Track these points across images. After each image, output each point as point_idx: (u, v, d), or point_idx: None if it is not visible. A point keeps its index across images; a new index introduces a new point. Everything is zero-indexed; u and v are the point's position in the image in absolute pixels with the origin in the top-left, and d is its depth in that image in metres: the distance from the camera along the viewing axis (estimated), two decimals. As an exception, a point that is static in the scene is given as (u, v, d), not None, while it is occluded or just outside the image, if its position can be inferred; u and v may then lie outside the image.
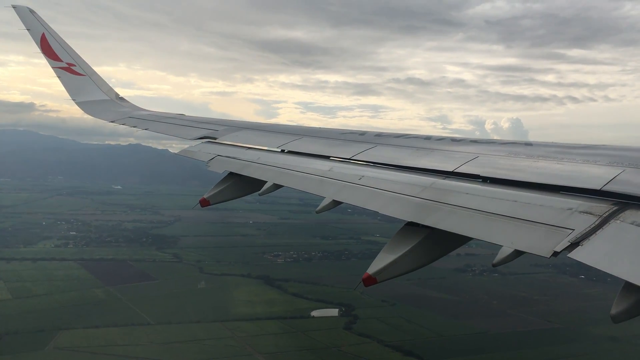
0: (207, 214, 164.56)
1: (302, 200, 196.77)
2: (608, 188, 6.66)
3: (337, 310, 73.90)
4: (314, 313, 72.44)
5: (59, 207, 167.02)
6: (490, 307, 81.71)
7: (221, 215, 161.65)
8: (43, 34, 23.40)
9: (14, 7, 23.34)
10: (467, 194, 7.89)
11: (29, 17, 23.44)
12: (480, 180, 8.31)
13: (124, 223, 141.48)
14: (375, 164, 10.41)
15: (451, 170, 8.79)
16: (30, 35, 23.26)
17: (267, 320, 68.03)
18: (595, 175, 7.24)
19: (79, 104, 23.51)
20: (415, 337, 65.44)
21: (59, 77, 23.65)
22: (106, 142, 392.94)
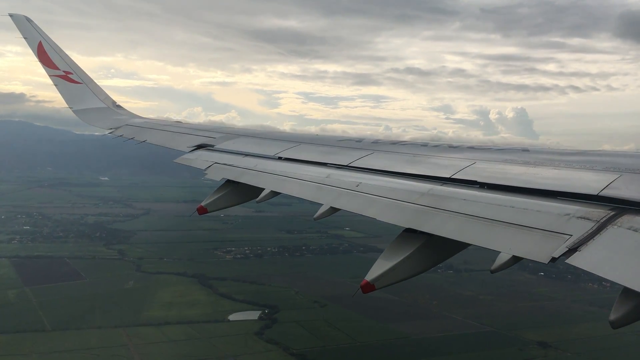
0: (180, 207, 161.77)
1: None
2: (605, 193, 6.75)
3: (257, 313, 70.23)
4: (232, 317, 68.89)
5: (30, 199, 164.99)
6: (428, 308, 77.66)
7: (195, 208, 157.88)
8: (40, 42, 23.44)
9: (10, 15, 23.21)
10: (464, 200, 7.96)
11: (26, 25, 23.42)
12: (478, 186, 8.39)
13: (87, 217, 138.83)
14: (372, 171, 10.44)
15: (448, 176, 8.91)
16: (27, 43, 23.20)
17: (176, 324, 64.53)
18: (592, 180, 7.30)
19: (76, 112, 24.24)
20: (327, 344, 61.67)
21: (55, 85, 23.87)
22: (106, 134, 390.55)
